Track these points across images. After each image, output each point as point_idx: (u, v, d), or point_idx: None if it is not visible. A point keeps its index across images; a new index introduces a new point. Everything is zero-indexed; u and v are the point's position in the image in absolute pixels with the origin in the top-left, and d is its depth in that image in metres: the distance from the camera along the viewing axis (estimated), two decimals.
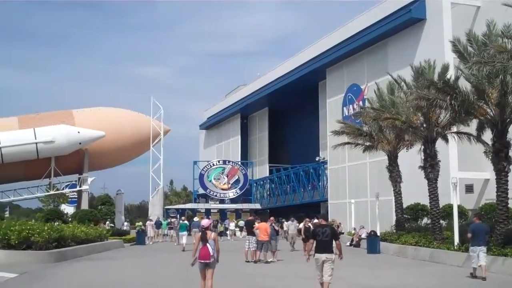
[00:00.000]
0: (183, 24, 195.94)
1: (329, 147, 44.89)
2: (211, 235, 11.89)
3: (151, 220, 40.95)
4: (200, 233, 12.03)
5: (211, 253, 11.61)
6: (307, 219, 28.28)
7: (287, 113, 65.99)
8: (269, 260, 22.66)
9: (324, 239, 12.06)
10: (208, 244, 11.65)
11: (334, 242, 12.41)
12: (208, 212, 59.02)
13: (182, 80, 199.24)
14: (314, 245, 12.27)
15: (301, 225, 28.27)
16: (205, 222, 12.43)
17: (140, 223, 45.08)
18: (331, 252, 12.12)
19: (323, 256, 11.97)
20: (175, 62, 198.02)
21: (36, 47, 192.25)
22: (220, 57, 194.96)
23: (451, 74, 25.09)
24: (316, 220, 31.43)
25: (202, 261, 11.68)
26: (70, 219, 38.48)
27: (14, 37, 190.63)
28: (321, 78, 52.10)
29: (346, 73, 47.71)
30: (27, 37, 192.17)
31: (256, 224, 23.50)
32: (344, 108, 47.32)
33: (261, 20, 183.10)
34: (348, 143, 33.74)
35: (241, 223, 48.37)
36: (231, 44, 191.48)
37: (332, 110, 49.30)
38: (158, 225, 40.66)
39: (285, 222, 43.79)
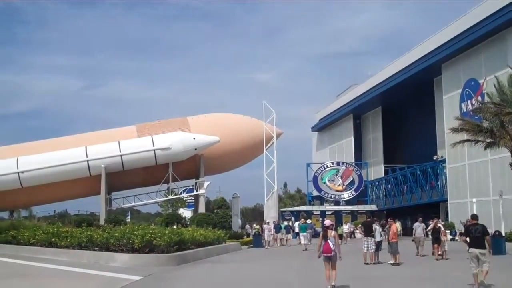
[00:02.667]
0: (289, 28, 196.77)
1: (447, 145, 43.49)
2: (331, 233, 14.40)
3: (268, 224, 40.69)
4: (326, 230, 14.40)
5: (332, 248, 14.07)
6: (437, 220, 26.76)
7: (401, 112, 64.50)
8: (390, 263, 22.15)
9: (477, 235, 14.22)
10: (329, 241, 14.13)
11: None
12: (323, 214, 58.72)
13: (292, 83, 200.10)
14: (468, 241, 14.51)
15: (430, 227, 26.14)
16: (327, 222, 15.05)
17: (258, 226, 45.32)
18: (484, 247, 14.16)
19: (476, 251, 14.06)
20: (284, 66, 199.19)
21: (148, 57, 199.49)
22: (328, 59, 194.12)
23: None
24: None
25: (325, 254, 14.15)
26: (188, 223, 39.33)
27: (128, 48, 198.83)
28: (436, 74, 50.56)
29: (463, 68, 46.00)
30: (139, 48, 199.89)
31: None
32: (462, 104, 45.62)
33: (367, 19, 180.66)
34: (467, 140, 32.36)
35: (347, 226, 46.94)
36: (338, 45, 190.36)
37: (449, 106, 47.70)
38: (277, 229, 39.86)
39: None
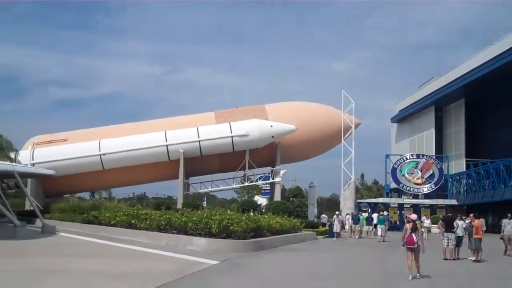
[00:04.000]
0: (370, 17, 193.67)
1: None
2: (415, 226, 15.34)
3: (337, 215, 38.20)
4: (411, 223, 15.22)
5: (415, 240, 15.04)
6: None
7: (485, 105, 62.58)
8: (471, 259, 21.50)
9: None
10: (413, 234, 15.09)
11: None
12: (401, 207, 57.74)
13: (371, 73, 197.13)
14: None
15: None
16: (414, 216, 15.82)
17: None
18: None
19: None
20: (364, 55, 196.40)
21: (226, 44, 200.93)
22: (409, 49, 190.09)
23: None
24: None
25: (408, 246, 15.15)
26: (264, 210, 39.38)
27: (206, 35, 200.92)
28: None
29: None
30: (217, 34, 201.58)
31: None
32: None
33: (450, 8, 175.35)
34: None
35: (428, 221, 44.75)
36: (418, 35, 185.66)
37: None
38: (355, 220, 39.26)
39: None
